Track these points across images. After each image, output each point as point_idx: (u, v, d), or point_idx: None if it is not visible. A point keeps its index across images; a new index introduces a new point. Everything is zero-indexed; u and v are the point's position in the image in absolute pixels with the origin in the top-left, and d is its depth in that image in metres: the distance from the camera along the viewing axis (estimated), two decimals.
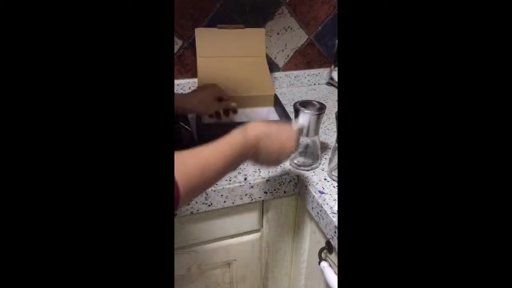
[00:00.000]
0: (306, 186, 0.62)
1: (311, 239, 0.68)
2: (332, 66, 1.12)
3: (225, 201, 0.62)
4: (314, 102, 0.62)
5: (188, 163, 0.37)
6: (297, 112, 0.61)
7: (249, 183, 0.62)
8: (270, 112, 0.82)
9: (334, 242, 0.54)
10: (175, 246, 0.63)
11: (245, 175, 0.63)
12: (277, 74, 1.07)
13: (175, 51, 0.94)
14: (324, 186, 0.61)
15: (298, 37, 1.05)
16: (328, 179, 0.63)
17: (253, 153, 0.46)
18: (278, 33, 1.02)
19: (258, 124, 0.46)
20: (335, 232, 0.53)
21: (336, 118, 0.60)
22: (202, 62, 0.84)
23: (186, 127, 0.79)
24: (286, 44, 1.05)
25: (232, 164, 0.43)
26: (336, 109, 0.90)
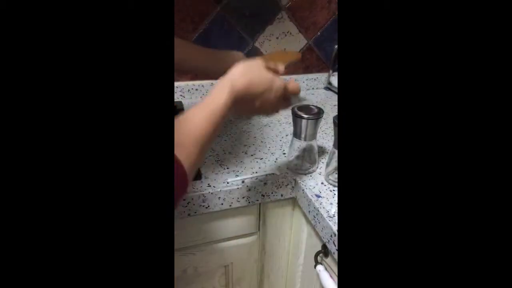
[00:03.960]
0: (303, 190, 0.62)
1: (307, 243, 0.68)
2: (331, 71, 1.12)
3: (222, 204, 0.62)
4: (312, 106, 0.63)
5: (184, 138, 0.35)
6: (295, 116, 0.61)
7: (247, 185, 0.62)
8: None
9: (330, 246, 0.55)
10: None
11: (243, 178, 0.64)
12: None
13: None
14: (321, 190, 0.61)
15: (297, 42, 1.06)
16: (325, 183, 0.63)
17: (238, 107, 0.43)
18: (277, 38, 1.03)
19: (243, 73, 0.43)
20: (331, 236, 0.54)
21: (333, 122, 0.60)
22: None
23: None
24: (285, 49, 1.06)
25: (222, 123, 0.41)
26: (333, 114, 0.91)
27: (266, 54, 1.04)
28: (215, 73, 0.88)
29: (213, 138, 0.40)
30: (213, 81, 1.00)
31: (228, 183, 0.62)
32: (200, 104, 0.40)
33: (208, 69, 0.78)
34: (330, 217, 0.55)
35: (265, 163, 0.69)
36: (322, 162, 0.69)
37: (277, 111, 0.49)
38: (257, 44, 1.02)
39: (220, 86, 0.42)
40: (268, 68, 0.47)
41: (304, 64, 1.11)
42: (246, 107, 0.45)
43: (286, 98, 0.49)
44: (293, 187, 0.66)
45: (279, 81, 0.46)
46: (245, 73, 0.43)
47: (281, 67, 0.50)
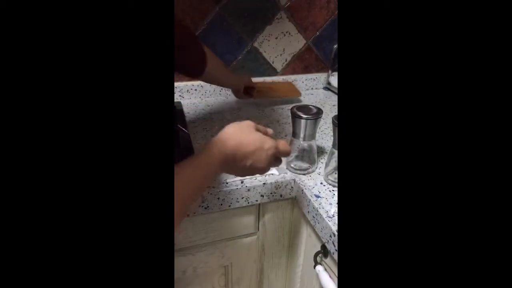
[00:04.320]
0: (302, 190, 0.62)
1: (307, 243, 0.68)
2: (330, 71, 1.12)
3: (221, 204, 0.62)
4: (311, 106, 0.63)
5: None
6: (294, 116, 0.61)
7: (246, 186, 0.62)
8: None
9: (330, 246, 0.55)
10: None
11: (242, 178, 0.63)
12: (275, 78, 1.08)
13: None
14: (320, 190, 0.61)
15: (296, 42, 1.06)
16: (324, 183, 0.63)
17: (227, 166, 0.46)
18: (276, 38, 1.03)
19: (233, 134, 0.46)
20: (330, 236, 0.54)
21: (332, 122, 0.60)
22: None
23: (184, 129, 0.79)
24: (284, 49, 1.06)
25: (209, 182, 0.44)
26: (332, 114, 0.91)
27: (274, 83, 1.06)
28: (222, 86, 0.96)
29: (198, 196, 0.43)
30: None
31: (227, 183, 0.62)
32: (189, 162, 0.42)
33: (220, 81, 0.88)
34: (330, 217, 0.55)
35: None
36: (322, 162, 0.69)
37: (268, 170, 0.50)
38: (256, 44, 1.02)
39: (210, 146, 0.44)
40: (258, 130, 0.49)
41: (303, 64, 1.11)
42: (236, 166, 0.46)
43: (277, 157, 0.50)
44: (292, 187, 0.66)
45: (270, 141, 0.48)
46: (235, 134, 0.46)
47: (270, 130, 0.52)
